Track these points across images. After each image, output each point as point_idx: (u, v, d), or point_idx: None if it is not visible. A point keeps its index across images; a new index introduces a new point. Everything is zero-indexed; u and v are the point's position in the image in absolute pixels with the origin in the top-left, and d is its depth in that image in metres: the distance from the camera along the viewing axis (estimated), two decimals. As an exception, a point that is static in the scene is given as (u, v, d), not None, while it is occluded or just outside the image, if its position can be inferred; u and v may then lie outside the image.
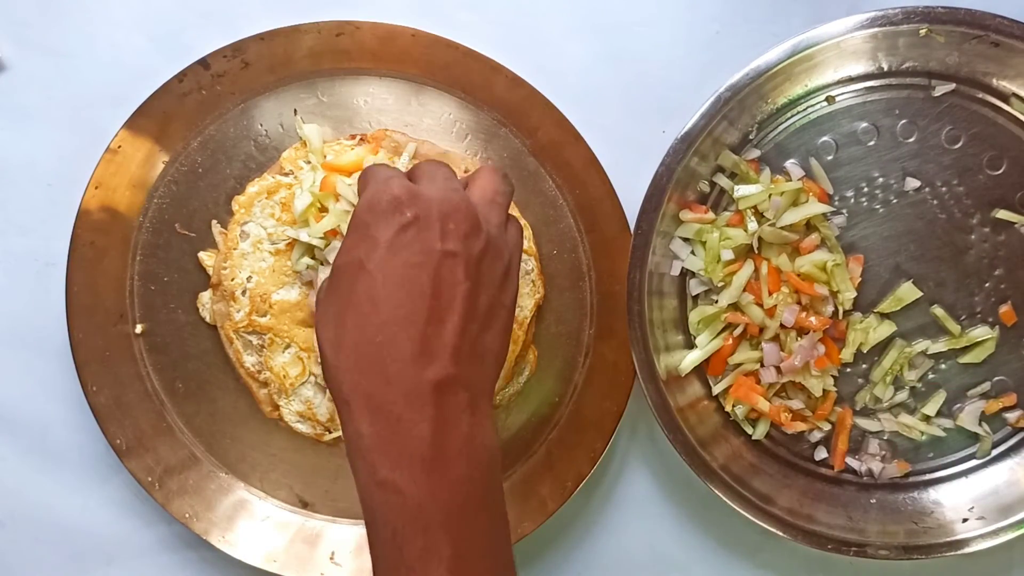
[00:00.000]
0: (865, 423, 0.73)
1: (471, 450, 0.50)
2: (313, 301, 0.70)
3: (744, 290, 0.71)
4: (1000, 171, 0.71)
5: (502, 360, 0.55)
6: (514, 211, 0.72)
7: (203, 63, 0.71)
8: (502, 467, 0.71)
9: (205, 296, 0.73)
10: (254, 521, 0.73)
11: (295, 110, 0.72)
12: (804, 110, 0.71)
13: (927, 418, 0.73)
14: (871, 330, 0.72)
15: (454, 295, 0.51)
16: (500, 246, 0.55)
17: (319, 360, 0.52)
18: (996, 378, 0.73)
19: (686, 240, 0.72)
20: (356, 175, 0.68)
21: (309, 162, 0.72)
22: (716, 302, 0.72)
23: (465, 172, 0.72)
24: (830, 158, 0.72)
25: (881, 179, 0.72)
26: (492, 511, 0.52)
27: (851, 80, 0.71)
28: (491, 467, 0.51)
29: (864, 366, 0.73)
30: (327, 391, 0.72)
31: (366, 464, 0.50)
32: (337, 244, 0.69)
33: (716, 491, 0.70)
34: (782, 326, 0.71)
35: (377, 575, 0.51)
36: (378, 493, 0.49)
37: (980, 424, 0.73)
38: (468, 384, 0.51)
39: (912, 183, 0.71)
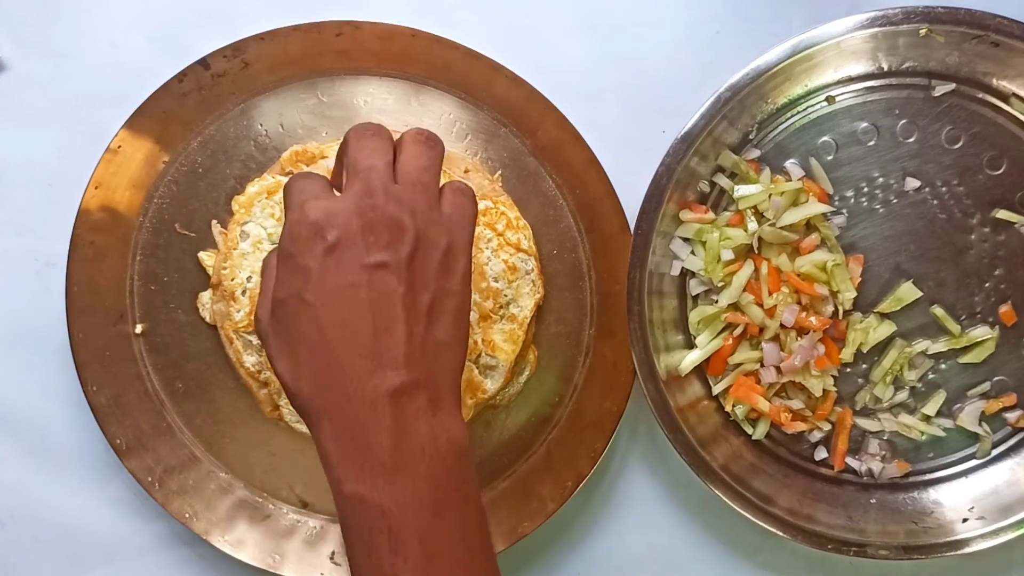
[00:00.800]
0: (865, 423, 0.73)
1: (434, 450, 0.51)
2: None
3: (744, 290, 0.71)
4: (1000, 171, 0.71)
5: (462, 345, 0.55)
6: (513, 211, 0.72)
7: (203, 63, 0.71)
8: (501, 464, 0.72)
9: (205, 296, 0.73)
10: (254, 521, 0.73)
11: None
12: (804, 110, 0.71)
13: (927, 418, 0.73)
14: (871, 330, 0.72)
15: (393, 303, 0.52)
16: (433, 235, 0.54)
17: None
18: (996, 378, 0.73)
19: (686, 240, 0.72)
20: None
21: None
22: (716, 302, 0.72)
23: (465, 172, 0.72)
24: (830, 158, 0.72)
25: (881, 179, 0.72)
26: (462, 504, 0.53)
27: (851, 80, 0.71)
28: (458, 462, 0.53)
29: (864, 366, 0.73)
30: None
31: (333, 479, 0.53)
32: None
33: (716, 491, 0.70)
34: (782, 326, 0.71)
35: None
36: (346, 505, 0.52)
37: (980, 424, 0.73)
38: (426, 384, 0.52)
39: (912, 183, 0.71)
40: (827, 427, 0.73)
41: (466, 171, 0.72)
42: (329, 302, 0.52)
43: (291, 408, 0.72)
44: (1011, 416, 0.73)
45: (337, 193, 0.55)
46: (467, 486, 0.53)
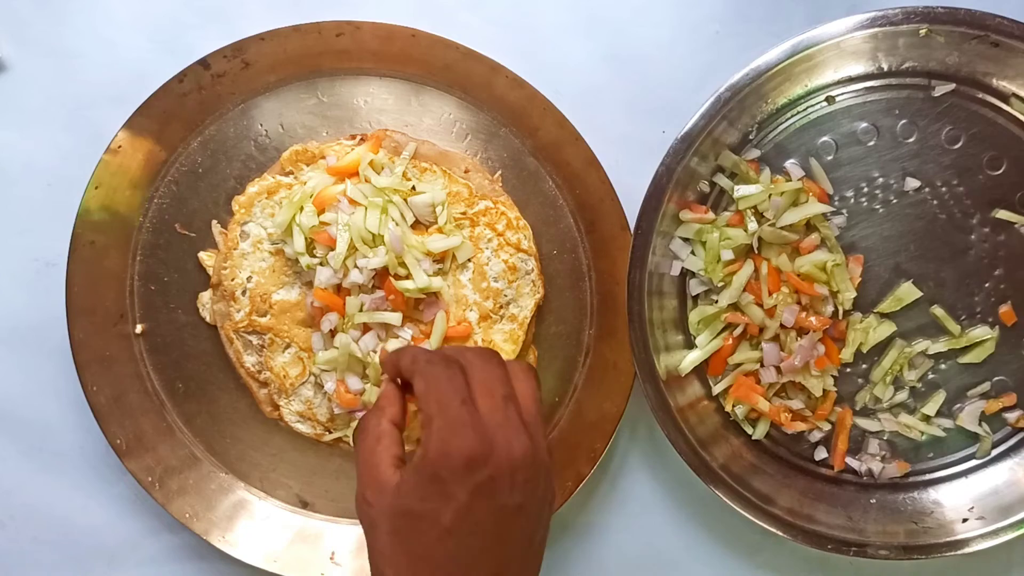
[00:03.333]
0: (865, 423, 0.73)
1: None
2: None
3: (744, 290, 0.71)
4: (1000, 171, 0.71)
5: None
6: (513, 211, 0.72)
7: (203, 63, 0.71)
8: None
9: (205, 296, 0.73)
10: (254, 521, 0.73)
11: None
12: (804, 110, 0.71)
13: (927, 418, 0.73)
14: (871, 330, 0.72)
15: (519, 545, 0.55)
16: (550, 469, 0.57)
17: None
18: (996, 378, 0.73)
19: (686, 240, 0.72)
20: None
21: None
22: (716, 302, 0.72)
23: (465, 172, 0.72)
24: (830, 158, 0.72)
25: (881, 179, 0.72)
26: None
27: (851, 80, 0.71)
28: None
29: (864, 366, 0.73)
30: (329, 397, 0.72)
31: None
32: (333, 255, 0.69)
33: (716, 491, 0.70)
34: (782, 326, 0.71)
35: None
36: None
37: (980, 424, 0.73)
38: None
39: (912, 183, 0.71)
40: (827, 427, 0.73)
41: (466, 171, 0.72)
42: (466, 535, 0.52)
43: (291, 408, 0.73)
44: (1011, 416, 0.73)
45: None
46: None
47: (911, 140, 0.71)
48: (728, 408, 0.72)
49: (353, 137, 0.72)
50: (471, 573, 0.53)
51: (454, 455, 0.52)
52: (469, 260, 0.72)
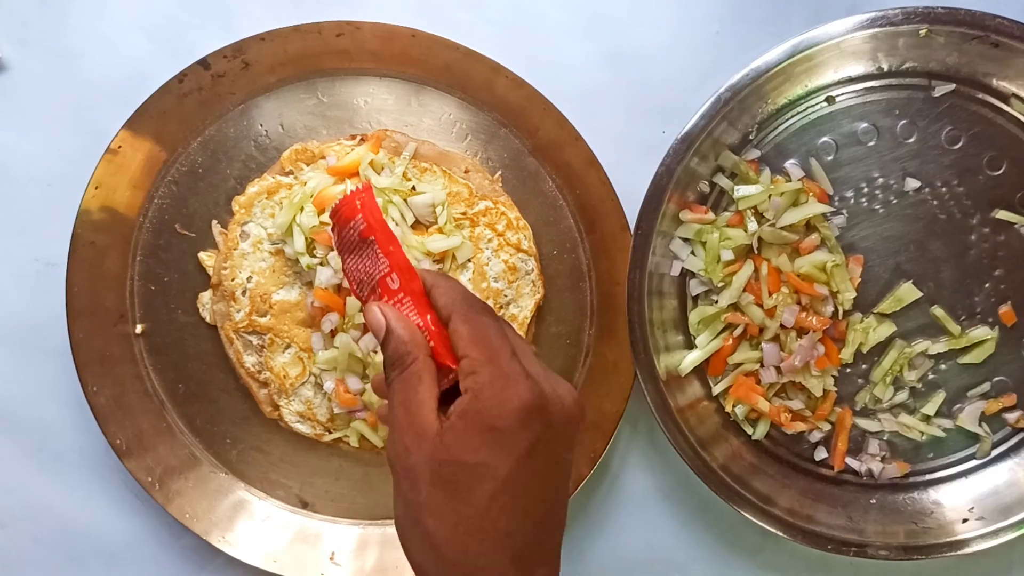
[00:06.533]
0: (865, 423, 0.73)
1: None
2: (313, 310, 0.71)
3: (744, 290, 0.71)
4: (1000, 171, 0.71)
5: None
6: (514, 211, 0.72)
7: (203, 63, 0.71)
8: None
9: (205, 296, 0.73)
10: (254, 521, 0.73)
11: None
12: (804, 110, 0.71)
13: (927, 418, 0.73)
14: (871, 330, 0.72)
15: (564, 498, 0.54)
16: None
17: (420, 543, 0.53)
18: (996, 378, 0.73)
19: (686, 240, 0.72)
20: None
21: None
22: (716, 302, 0.72)
23: (465, 172, 0.72)
24: (830, 158, 0.72)
25: (881, 179, 0.72)
26: None
27: (851, 80, 0.71)
28: None
29: (864, 366, 0.73)
30: (328, 397, 0.72)
31: None
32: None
33: (716, 491, 0.70)
34: (782, 326, 0.71)
35: None
36: None
37: (980, 424, 0.73)
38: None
39: (912, 183, 0.71)
40: (827, 427, 0.73)
41: (466, 171, 0.72)
42: (521, 488, 0.51)
43: (291, 408, 0.73)
44: (1011, 416, 0.73)
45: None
46: None
47: (911, 140, 0.71)
48: (728, 408, 0.72)
49: (353, 137, 0.72)
50: (522, 525, 0.51)
51: (511, 407, 0.50)
52: (469, 260, 0.72)
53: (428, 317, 0.53)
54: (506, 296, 0.72)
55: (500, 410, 0.50)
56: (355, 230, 0.55)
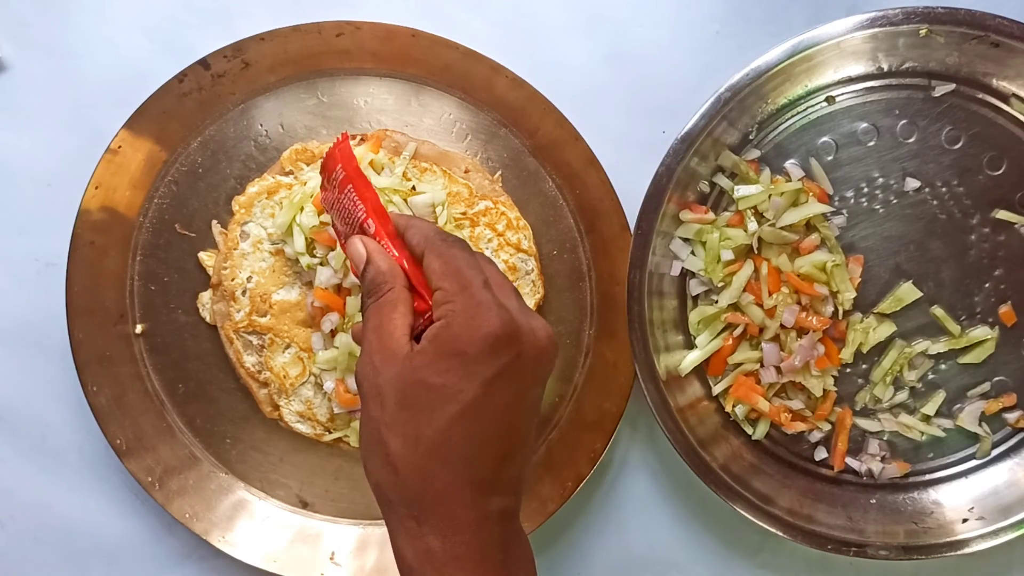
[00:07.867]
0: (865, 423, 0.73)
1: (526, 567, 0.55)
2: (314, 310, 0.71)
3: (744, 290, 0.71)
4: (1000, 171, 0.71)
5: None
6: (513, 211, 0.72)
7: (203, 63, 0.71)
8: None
9: (205, 296, 0.73)
10: (254, 521, 0.73)
11: None
12: (804, 110, 0.71)
13: (927, 418, 0.73)
14: (871, 330, 0.72)
15: (529, 430, 0.54)
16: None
17: (380, 461, 0.53)
18: (996, 378, 0.73)
19: (686, 240, 0.72)
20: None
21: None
22: (716, 302, 0.72)
23: (465, 172, 0.72)
24: (830, 158, 0.72)
25: (881, 179, 0.72)
26: None
27: (851, 80, 0.71)
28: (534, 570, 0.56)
29: (864, 366, 0.73)
30: (328, 397, 0.72)
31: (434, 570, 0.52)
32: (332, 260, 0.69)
33: (716, 491, 0.70)
34: (782, 326, 0.71)
35: None
36: None
37: (980, 424, 0.73)
38: (518, 510, 0.55)
39: (912, 183, 0.71)
40: (827, 427, 0.73)
41: (466, 171, 0.72)
42: (484, 413, 0.51)
43: (291, 408, 0.73)
44: (1011, 416, 0.73)
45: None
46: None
47: (911, 140, 0.71)
48: (728, 408, 0.72)
49: (353, 137, 0.72)
50: (482, 453, 0.51)
51: (480, 333, 0.50)
52: (469, 260, 0.72)
53: (404, 261, 0.55)
54: (506, 296, 0.72)
55: (470, 336, 0.50)
56: (336, 181, 0.58)
